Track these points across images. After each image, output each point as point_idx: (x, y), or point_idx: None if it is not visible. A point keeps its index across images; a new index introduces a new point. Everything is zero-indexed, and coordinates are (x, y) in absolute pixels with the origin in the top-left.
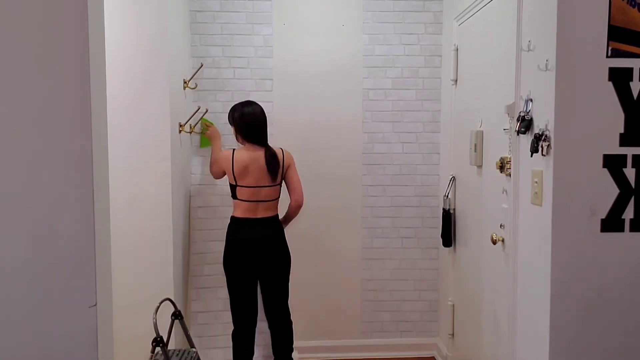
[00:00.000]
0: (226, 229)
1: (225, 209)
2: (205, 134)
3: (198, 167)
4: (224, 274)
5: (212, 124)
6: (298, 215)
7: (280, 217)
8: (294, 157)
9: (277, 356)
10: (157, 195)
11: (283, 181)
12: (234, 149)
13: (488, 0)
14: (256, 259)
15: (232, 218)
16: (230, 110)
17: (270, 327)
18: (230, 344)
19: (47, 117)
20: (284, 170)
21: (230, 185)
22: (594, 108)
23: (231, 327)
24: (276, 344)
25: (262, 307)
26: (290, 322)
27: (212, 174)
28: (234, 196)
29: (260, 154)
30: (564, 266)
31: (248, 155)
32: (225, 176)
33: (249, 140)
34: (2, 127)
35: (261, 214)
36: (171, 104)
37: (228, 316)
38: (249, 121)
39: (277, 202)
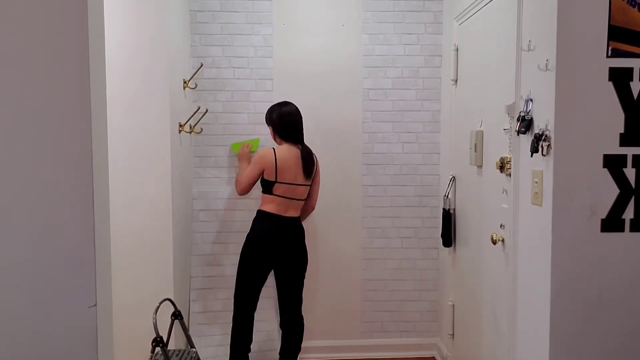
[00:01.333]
0: (227, 232)
1: (227, 212)
2: (239, 152)
3: (201, 171)
4: (224, 275)
5: (254, 150)
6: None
7: None
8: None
9: (283, 355)
10: (157, 195)
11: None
12: (273, 148)
13: (488, 0)
14: (278, 253)
15: (262, 212)
16: (267, 112)
17: (282, 325)
18: (229, 343)
19: (47, 117)
20: (315, 173)
21: (268, 181)
22: (594, 108)
23: (230, 328)
24: (285, 342)
25: (266, 308)
26: (302, 325)
27: (240, 190)
28: (268, 192)
29: (297, 152)
30: (564, 266)
31: (288, 153)
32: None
33: (287, 139)
34: (2, 127)
35: (290, 212)
36: (171, 104)
37: (227, 316)
38: (287, 120)
39: (302, 205)
